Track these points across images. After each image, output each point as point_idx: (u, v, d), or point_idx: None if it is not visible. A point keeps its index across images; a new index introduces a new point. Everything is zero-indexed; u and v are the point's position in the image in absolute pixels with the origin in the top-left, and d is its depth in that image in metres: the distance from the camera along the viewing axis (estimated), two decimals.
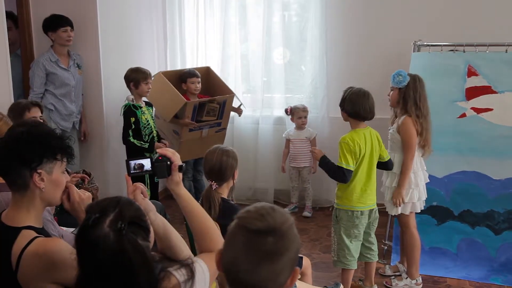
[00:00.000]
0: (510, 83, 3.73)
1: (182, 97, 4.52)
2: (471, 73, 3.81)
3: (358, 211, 3.31)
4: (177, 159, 1.80)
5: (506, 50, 3.74)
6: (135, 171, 1.83)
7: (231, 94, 4.89)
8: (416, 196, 3.50)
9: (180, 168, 1.80)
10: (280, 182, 5.34)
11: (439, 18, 4.73)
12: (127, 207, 1.45)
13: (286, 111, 5.08)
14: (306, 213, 5.10)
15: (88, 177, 3.41)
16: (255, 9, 5.36)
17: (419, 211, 3.58)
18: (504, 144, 3.77)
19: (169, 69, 5.54)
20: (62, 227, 2.45)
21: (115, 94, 4.80)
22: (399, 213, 3.53)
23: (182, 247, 1.79)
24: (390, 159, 3.38)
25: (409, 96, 3.39)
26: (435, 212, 3.94)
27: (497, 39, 4.09)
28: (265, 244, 1.21)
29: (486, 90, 3.78)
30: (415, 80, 3.41)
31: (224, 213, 2.58)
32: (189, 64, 5.54)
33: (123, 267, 1.37)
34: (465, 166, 3.83)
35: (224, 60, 5.44)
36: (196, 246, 1.89)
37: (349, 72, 5.05)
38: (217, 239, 1.80)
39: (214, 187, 2.77)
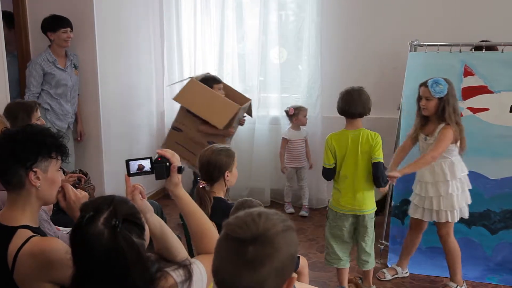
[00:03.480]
0: (506, 83, 3.73)
1: (235, 103, 4.42)
2: (467, 73, 3.80)
3: (340, 212, 3.33)
4: (176, 160, 1.81)
5: (502, 50, 3.75)
6: (135, 172, 1.83)
7: (249, 101, 4.81)
8: (465, 200, 3.47)
9: (179, 170, 1.81)
10: (276, 181, 5.35)
11: (436, 18, 4.74)
12: (121, 205, 1.46)
13: (287, 112, 5.07)
14: (303, 213, 5.11)
15: (84, 177, 3.42)
16: (251, 8, 5.36)
17: (467, 216, 3.52)
18: (500, 143, 3.78)
19: (166, 69, 5.54)
20: (58, 227, 2.45)
21: (111, 94, 4.80)
22: (453, 220, 3.45)
23: (179, 248, 1.79)
24: (377, 163, 3.20)
25: (449, 104, 3.30)
26: None
27: (493, 39, 4.10)
28: (246, 253, 1.18)
29: (482, 90, 3.78)
30: (451, 85, 3.34)
31: (219, 213, 2.57)
32: (187, 64, 5.55)
33: (117, 264, 1.37)
34: None
35: (221, 59, 5.43)
36: (193, 246, 1.89)
37: (345, 72, 5.07)
38: (215, 241, 1.80)
39: (202, 185, 2.75)
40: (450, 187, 3.39)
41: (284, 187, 5.26)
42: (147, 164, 1.83)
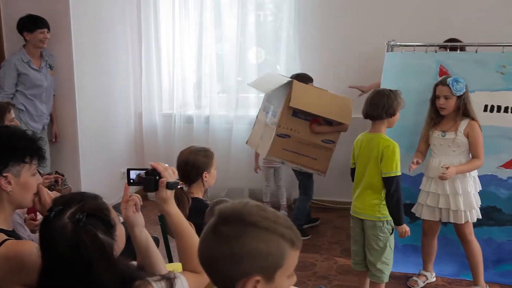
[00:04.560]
0: (480, 83, 3.77)
1: (345, 97, 4.29)
2: (442, 72, 3.84)
3: (352, 214, 3.32)
4: (167, 175, 1.74)
5: (476, 50, 3.80)
6: (134, 181, 1.81)
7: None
8: (477, 200, 3.45)
9: (169, 185, 1.75)
10: (254, 181, 5.35)
11: (413, 19, 4.81)
12: (90, 201, 1.46)
13: None
14: (283, 212, 5.12)
15: (61, 177, 3.37)
16: (230, 9, 5.36)
17: (479, 217, 3.49)
18: None
19: (144, 70, 5.51)
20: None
21: (88, 94, 4.76)
22: (472, 220, 3.41)
23: (161, 267, 1.77)
24: (386, 178, 3.08)
25: (468, 101, 3.37)
26: (407, 210, 3.97)
27: (468, 39, 4.16)
28: (219, 226, 1.25)
29: None
30: (466, 84, 3.39)
31: (197, 213, 2.56)
32: (165, 65, 5.52)
33: (80, 259, 1.36)
34: None
35: (200, 60, 5.43)
36: (181, 264, 1.85)
37: (324, 72, 5.09)
38: None
39: (179, 186, 2.75)
40: (468, 185, 3.38)
41: (263, 187, 5.27)
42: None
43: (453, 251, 3.85)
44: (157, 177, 1.74)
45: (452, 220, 3.43)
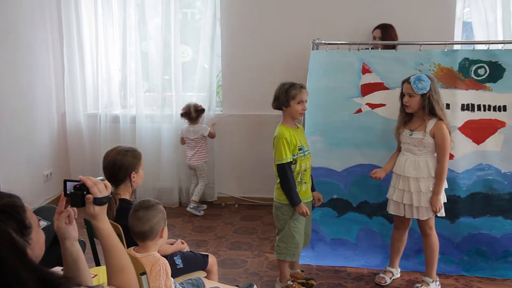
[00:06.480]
0: (400, 80, 3.88)
1: None
2: (365, 70, 3.96)
3: None
4: (96, 191, 1.65)
5: (396, 49, 3.95)
6: (69, 193, 1.70)
7: None
8: (443, 198, 3.46)
9: (97, 201, 1.66)
10: (184, 181, 5.30)
11: (337, 18, 4.92)
12: (3, 198, 1.38)
13: (200, 109, 5.03)
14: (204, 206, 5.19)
15: None
16: (154, 6, 5.26)
17: (444, 214, 3.50)
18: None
19: (66, 69, 5.31)
20: None
21: (6, 94, 4.54)
22: (430, 217, 3.44)
23: (88, 281, 1.71)
24: (276, 166, 3.33)
25: (434, 100, 3.31)
26: (335, 204, 4.07)
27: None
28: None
29: (379, 86, 3.94)
30: (433, 81, 3.34)
31: (124, 214, 2.51)
32: (88, 64, 5.35)
33: None
34: (362, 159, 3.97)
35: (124, 58, 5.30)
36: (108, 279, 1.80)
37: (251, 70, 5.14)
38: (131, 280, 1.72)
39: None
40: (431, 184, 3.39)
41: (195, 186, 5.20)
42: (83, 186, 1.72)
43: (378, 243, 3.99)
44: (85, 192, 1.65)
45: (415, 216, 3.48)
